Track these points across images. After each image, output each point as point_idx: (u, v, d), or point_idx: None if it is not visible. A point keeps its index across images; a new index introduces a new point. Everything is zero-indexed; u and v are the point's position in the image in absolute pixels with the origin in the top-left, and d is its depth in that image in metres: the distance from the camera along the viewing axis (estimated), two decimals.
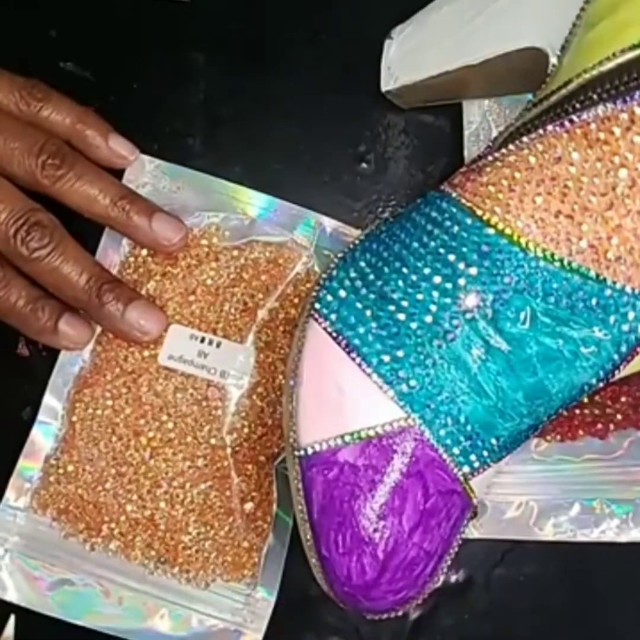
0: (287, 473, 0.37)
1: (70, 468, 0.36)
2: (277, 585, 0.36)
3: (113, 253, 0.38)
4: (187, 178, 0.38)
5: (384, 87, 0.37)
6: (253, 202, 0.38)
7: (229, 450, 0.36)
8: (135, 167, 0.38)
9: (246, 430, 0.36)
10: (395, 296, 0.30)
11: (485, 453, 0.30)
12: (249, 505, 0.36)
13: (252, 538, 0.36)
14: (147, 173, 0.38)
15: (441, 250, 0.29)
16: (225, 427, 0.36)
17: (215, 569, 0.36)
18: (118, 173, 0.37)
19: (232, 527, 0.36)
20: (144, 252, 0.37)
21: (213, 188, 0.38)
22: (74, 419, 0.36)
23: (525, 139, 0.29)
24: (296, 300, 0.37)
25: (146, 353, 0.36)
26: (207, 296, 0.37)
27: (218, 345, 0.36)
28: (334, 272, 0.32)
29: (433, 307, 0.29)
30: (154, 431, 0.36)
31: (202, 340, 0.36)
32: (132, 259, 0.37)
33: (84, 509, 0.36)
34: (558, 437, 0.37)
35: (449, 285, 0.29)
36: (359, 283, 0.31)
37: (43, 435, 0.37)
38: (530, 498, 0.37)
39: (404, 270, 0.30)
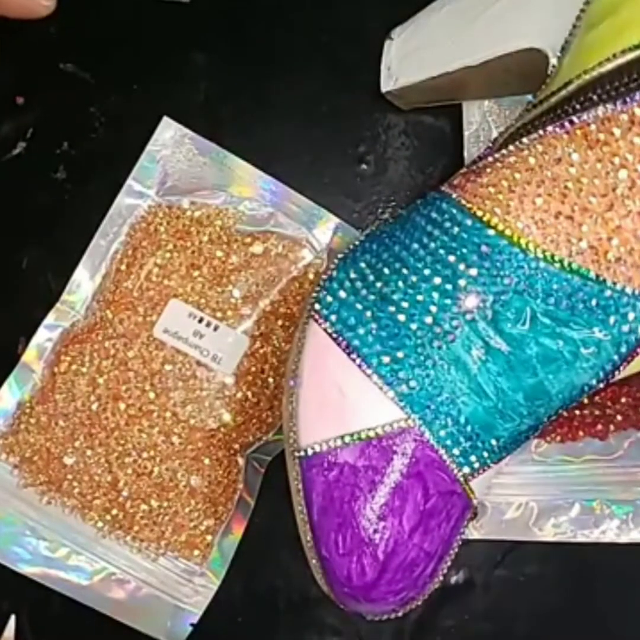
0: (256, 463, 0.37)
1: (43, 419, 0.36)
2: (224, 572, 0.37)
3: (127, 214, 0.37)
4: (215, 155, 0.38)
5: (383, 88, 0.37)
6: (277, 193, 0.38)
7: (206, 434, 0.36)
8: (164, 131, 0.38)
9: (227, 417, 0.36)
10: (395, 297, 0.30)
11: (485, 454, 0.30)
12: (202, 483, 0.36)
13: (211, 522, 0.36)
14: (175, 140, 0.38)
15: (441, 251, 0.29)
16: (207, 411, 0.36)
17: (168, 545, 0.36)
18: (146, 135, 0.38)
19: (194, 508, 0.36)
20: (157, 219, 0.37)
21: (239, 172, 0.38)
22: (56, 371, 0.36)
23: (525, 140, 0.29)
24: (299, 298, 0.37)
25: (140, 319, 0.36)
26: (212, 276, 0.37)
27: (215, 328, 0.36)
28: (334, 273, 0.32)
29: (433, 308, 0.29)
30: (133, 399, 0.36)
31: (200, 320, 0.36)
32: (144, 225, 0.37)
33: (48, 462, 0.36)
34: (558, 437, 0.37)
35: (449, 287, 0.29)
36: (359, 284, 0.31)
37: (21, 381, 0.37)
38: (530, 499, 0.37)
39: (404, 271, 0.30)
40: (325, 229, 0.38)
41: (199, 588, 0.37)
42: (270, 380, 0.36)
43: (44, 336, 0.37)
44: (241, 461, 0.37)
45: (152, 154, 0.38)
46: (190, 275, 0.36)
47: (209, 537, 0.36)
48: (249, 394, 0.36)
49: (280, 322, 0.37)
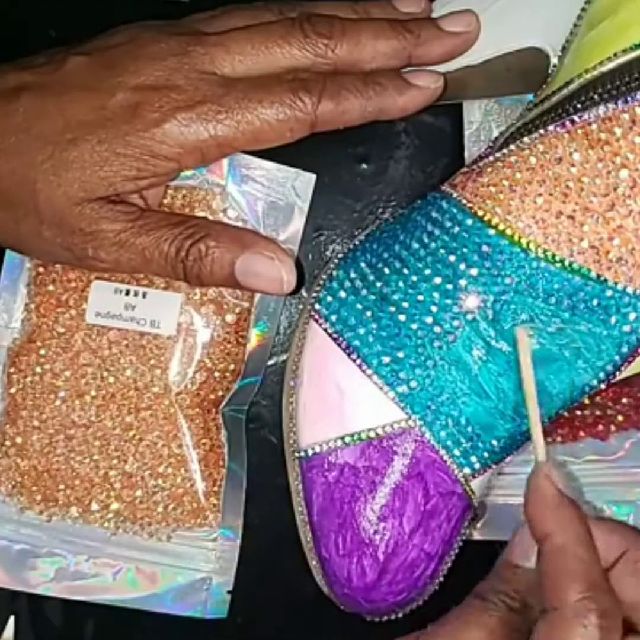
0: (236, 414, 0.37)
1: (18, 440, 0.36)
2: (240, 527, 0.36)
3: None
4: None
5: None
6: None
7: (172, 397, 0.36)
8: None
9: (188, 374, 0.36)
10: (395, 297, 0.30)
11: (486, 454, 0.30)
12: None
13: (208, 484, 0.36)
14: None
15: (442, 251, 0.29)
16: (166, 375, 0.36)
17: (175, 519, 0.36)
18: None
19: (185, 476, 0.36)
20: None
21: None
22: (13, 390, 0.36)
23: (526, 139, 0.29)
24: None
25: (74, 312, 0.36)
26: None
27: (144, 295, 0.36)
28: (335, 273, 0.32)
29: (434, 308, 0.29)
30: (96, 389, 0.36)
31: (127, 292, 0.36)
32: None
33: (38, 479, 0.36)
34: (559, 438, 0.37)
35: (449, 286, 0.29)
36: (359, 284, 0.31)
37: None
38: None
39: (405, 271, 0.30)
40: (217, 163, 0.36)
41: (222, 552, 0.36)
42: (218, 325, 0.36)
43: None
44: (218, 417, 0.37)
45: None
46: None
47: (213, 499, 0.36)
48: (201, 346, 0.36)
49: None
